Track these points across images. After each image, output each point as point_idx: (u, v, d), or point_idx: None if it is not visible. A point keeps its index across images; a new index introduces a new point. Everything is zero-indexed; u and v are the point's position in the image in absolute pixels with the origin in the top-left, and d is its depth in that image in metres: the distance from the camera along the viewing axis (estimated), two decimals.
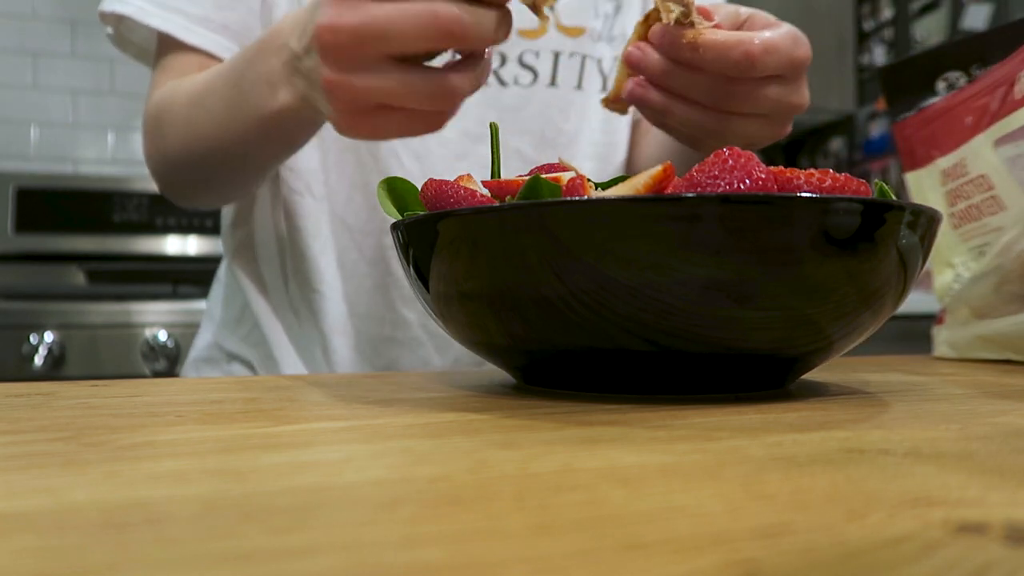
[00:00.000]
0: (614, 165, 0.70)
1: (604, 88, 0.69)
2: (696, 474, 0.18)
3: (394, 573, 0.12)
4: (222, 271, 0.73)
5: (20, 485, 0.17)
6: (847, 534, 0.14)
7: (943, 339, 0.57)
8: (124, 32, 0.64)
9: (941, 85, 0.57)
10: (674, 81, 0.42)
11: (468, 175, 0.35)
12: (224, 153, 0.54)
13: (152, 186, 1.79)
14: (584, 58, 0.67)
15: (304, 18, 0.42)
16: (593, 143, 0.69)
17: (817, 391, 0.34)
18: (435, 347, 0.64)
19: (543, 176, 0.31)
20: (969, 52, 0.56)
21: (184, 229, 1.81)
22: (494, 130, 0.38)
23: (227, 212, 0.70)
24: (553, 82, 0.66)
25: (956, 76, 0.56)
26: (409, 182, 0.36)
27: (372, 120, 0.41)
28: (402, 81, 0.38)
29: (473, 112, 0.64)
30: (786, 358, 0.30)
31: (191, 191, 0.62)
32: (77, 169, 1.90)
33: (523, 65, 0.65)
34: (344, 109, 0.40)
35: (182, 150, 0.56)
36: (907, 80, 0.59)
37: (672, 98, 0.43)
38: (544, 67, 0.66)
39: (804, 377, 0.39)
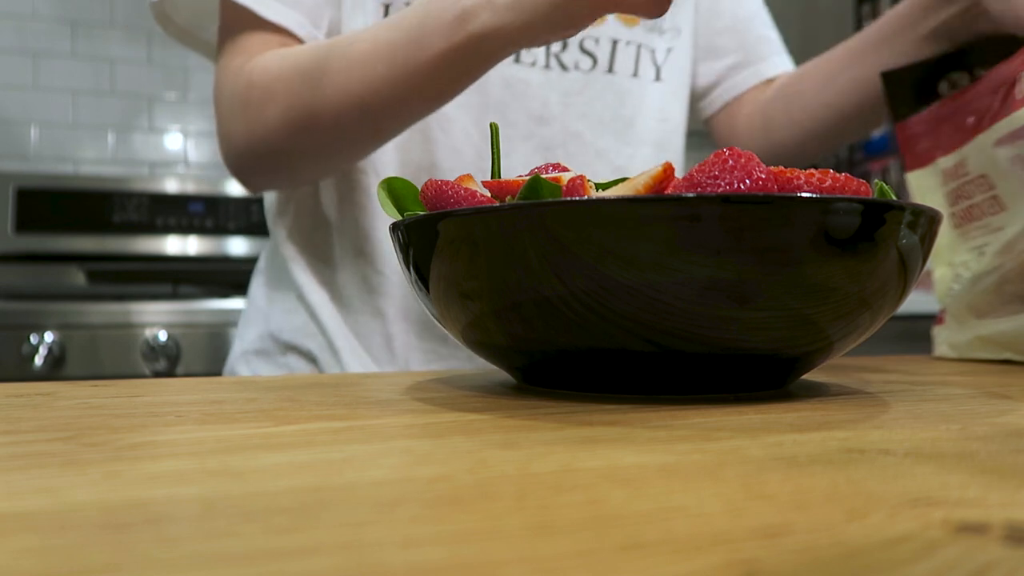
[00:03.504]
0: (670, 151, 0.72)
1: (658, 77, 0.70)
2: (696, 474, 0.18)
3: (394, 573, 0.12)
4: (263, 262, 0.72)
5: (20, 485, 0.17)
6: (847, 534, 0.14)
7: (943, 339, 0.57)
8: (167, 10, 0.63)
9: (943, 86, 0.57)
10: None
11: (468, 175, 0.35)
12: (366, 109, 0.51)
13: (152, 186, 1.80)
14: (639, 47, 0.69)
15: None
16: (649, 129, 0.70)
17: (817, 391, 0.34)
18: None
19: (543, 176, 0.31)
20: (970, 52, 0.57)
21: (184, 229, 1.81)
22: (494, 130, 0.38)
23: (271, 200, 0.68)
24: (611, 69, 0.68)
25: (958, 76, 0.57)
26: (409, 182, 0.36)
27: None
28: None
29: (536, 94, 0.65)
30: (786, 358, 0.30)
31: (291, 166, 0.58)
32: (77, 169, 1.90)
33: (583, 51, 0.66)
34: None
35: (307, 113, 0.53)
36: (908, 81, 0.59)
37: None
38: (603, 54, 0.67)
39: (804, 377, 0.39)
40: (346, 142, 0.55)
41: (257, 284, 0.72)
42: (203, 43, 0.66)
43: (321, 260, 0.65)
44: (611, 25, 0.67)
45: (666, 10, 0.42)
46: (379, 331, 0.63)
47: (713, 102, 0.77)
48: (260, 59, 0.56)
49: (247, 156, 0.57)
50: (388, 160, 0.63)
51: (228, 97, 0.57)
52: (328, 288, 0.65)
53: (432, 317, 0.34)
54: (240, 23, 0.58)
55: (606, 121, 0.67)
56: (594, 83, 0.67)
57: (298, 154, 0.56)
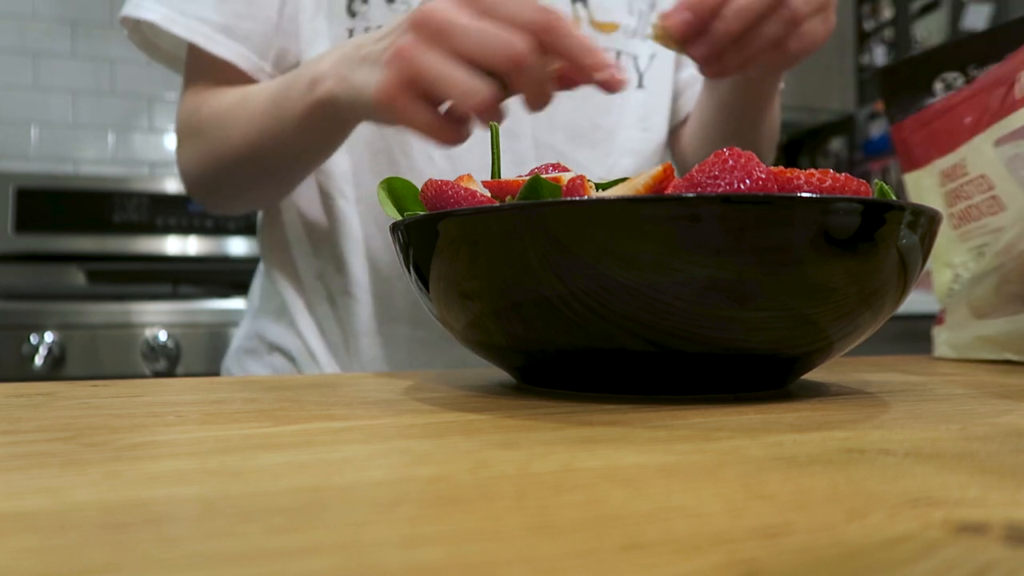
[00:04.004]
0: (652, 160, 0.71)
1: (640, 84, 0.69)
2: (696, 474, 0.18)
3: (394, 573, 0.12)
4: (261, 265, 0.74)
5: (20, 485, 0.17)
6: (847, 534, 0.14)
7: (943, 339, 0.57)
8: (152, 38, 0.65)
9: (939, 86, 0.57)
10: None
11: (468, 175, 0.35)
12: (258, 157, 0.56)
13: (152, 186, 1.80)
14: (619, 54, 0.67)
15: (392, 26, 0.46)
16: (630, 139, 0.69)
17: (817, 391, 0.34)
18: (463, 348, 0.64)
19: (543, 176, 0.31)
20: (967, 52, 0.56)
21: (184, 229, 1.81)
22: (494, 130, 0.38)
23: (260, 214, 0.71)
24: None
25: (953, 77, 0.56)
26: (409, 182, 0.36)
27: (409, 101, 0.43)
28: (462, 76, 0.42)
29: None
30: (786, 358, 0.30)
31: (224, 197, 0.63)
32: (77, 169, 1.90)
33: None
34: (395, 79, 0.43)
35: (218, 155, 0.58)
36: (904, 81, 0.59)
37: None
38: None
39: (804, 377, 0.39)
40: (252, 184, 0.60)
41: (254, 286, 0.75)
42: None
43: (296, 277, 0.68)
44: (586, 32, 0.65)
45: (460, 141, 0.45)
46: (349, 345, 0.65)
47: (675, 114, 0.75)
48: (194, 100, 0.61)
49: (189, 183, 0.64)
50: (355, 184, 0.64)
51: (176, 129, 0.63)
52: (305, 300, 0.67)
53: (432, 317, 0.34)
54: (194, 58, 0.63)
55: (583, 132, 0.66)
56: (569, 94, 0.66)
57: (221, 189, 0.62)
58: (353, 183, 0.64)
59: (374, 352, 0.64)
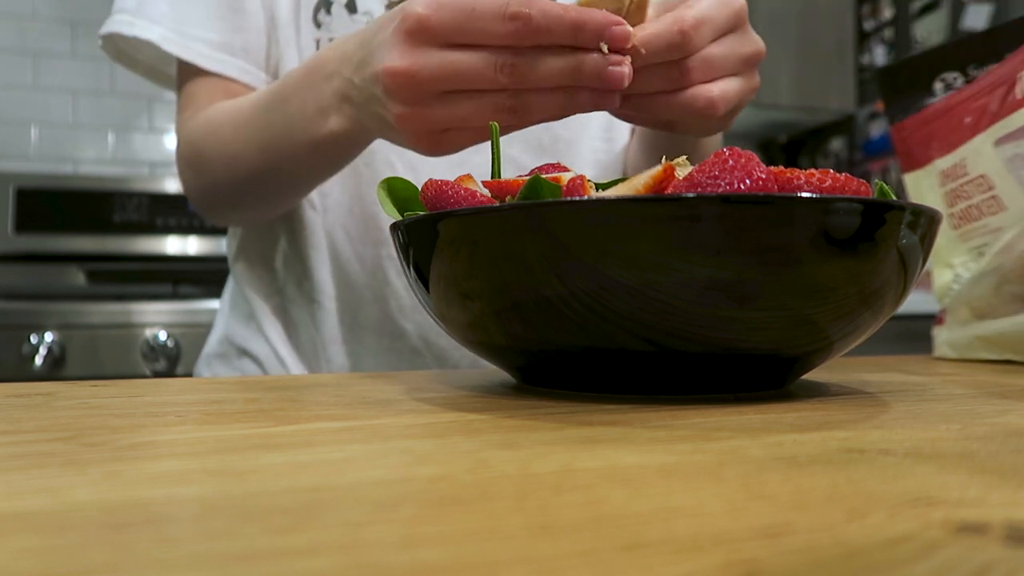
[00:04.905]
0: (615, 169, 0.70)
1: None
2: (696, 474, 0.18)
3: (394, 573, 0.12)
4: (232, 270, 0.74)
5: (20, 485, 0.17)
6: (847, 534, 0.14)
7: (943, 339, 0.57)
8: (128, 50, 0.64)
9: (938, 86, 0.57)
10: (632, 86, 0.41)
11: (468, 175, 0.35)
12: (269, 177, 0.55)
13: (152, 186, 1.80)
14: None
15: (355, 52, 0.43)
16: (593, 150, 0.68)
17: (817, 391, 0.34)
18: (432, 357, 0.64)
19: (543, 176, 0.31)
20: (967, 52, 0.56)
21: (184, 229, 1.81)
22: (494, 130, 0.38)
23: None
24: None
25: (953, 77, 0.56)
26: (409, 182, 0.36)
27: (446, 138, 0.42)
28: (469, 106, 0.40)
29: None
30: (786, 358, 0.30)
31: (234, 212, 0.63)
32: (77, 169, 1.90)
33: None
34: (420, 137, 0.42)
35: (226, 177, 0.57)
36: (904, 81, 0.59)
37: (636, 102, 0.43)
38: None
39: (804, 377, 0.39)
40: (253, 201, 0.59)
41: (226, 290, 0.75)
42: (171, 79, 0.68)
43: (263, 284, 0.68)
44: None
45: (441, 152, 0.43)
46: (316, 353, 0.65)
47: None
48: (194, 120, 0.59)
49: (192, 199, 0.63)
50: (322, 193, 0.64)
51: (178, 147, 0.62)
52: (271, 306, 0.67)
53: (431, 316, 0.34)
54: (190, 74, 0.61)
55: (544, 145, 0.65)
56: None
57: (223, 207, 0.61)
58: (319, 192, 0.64)
59: (341, 360, 0.65)
